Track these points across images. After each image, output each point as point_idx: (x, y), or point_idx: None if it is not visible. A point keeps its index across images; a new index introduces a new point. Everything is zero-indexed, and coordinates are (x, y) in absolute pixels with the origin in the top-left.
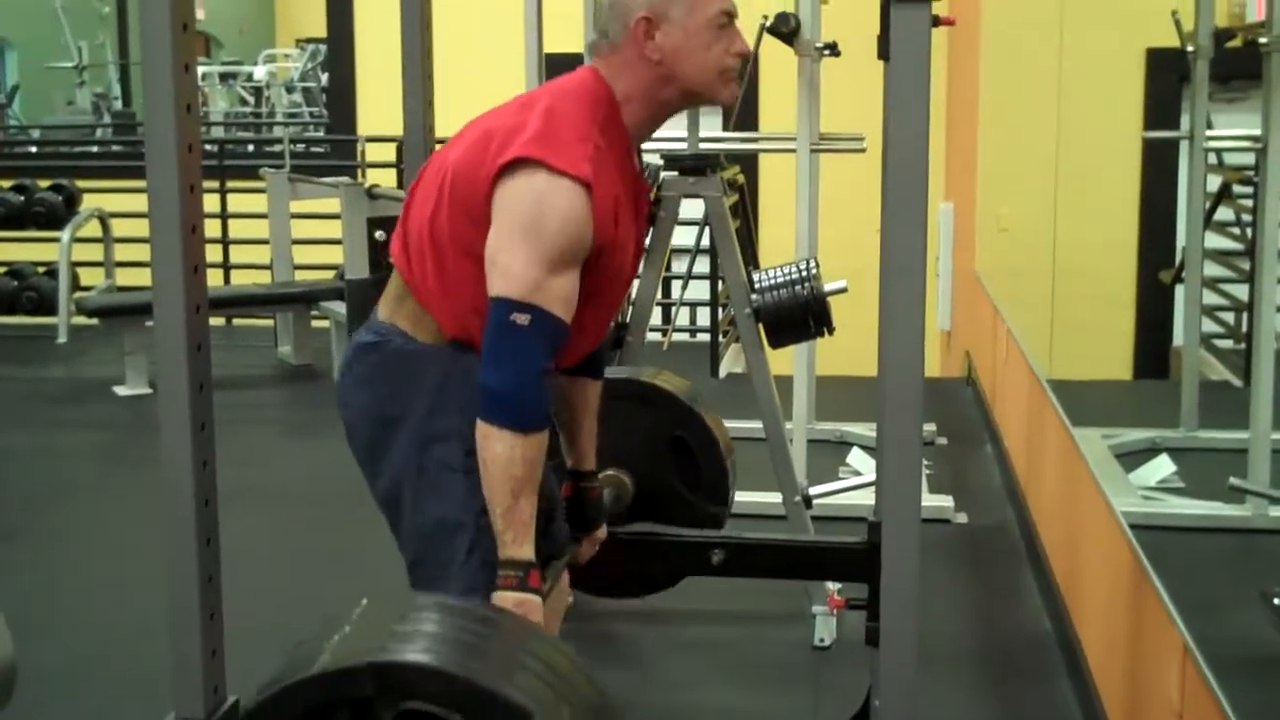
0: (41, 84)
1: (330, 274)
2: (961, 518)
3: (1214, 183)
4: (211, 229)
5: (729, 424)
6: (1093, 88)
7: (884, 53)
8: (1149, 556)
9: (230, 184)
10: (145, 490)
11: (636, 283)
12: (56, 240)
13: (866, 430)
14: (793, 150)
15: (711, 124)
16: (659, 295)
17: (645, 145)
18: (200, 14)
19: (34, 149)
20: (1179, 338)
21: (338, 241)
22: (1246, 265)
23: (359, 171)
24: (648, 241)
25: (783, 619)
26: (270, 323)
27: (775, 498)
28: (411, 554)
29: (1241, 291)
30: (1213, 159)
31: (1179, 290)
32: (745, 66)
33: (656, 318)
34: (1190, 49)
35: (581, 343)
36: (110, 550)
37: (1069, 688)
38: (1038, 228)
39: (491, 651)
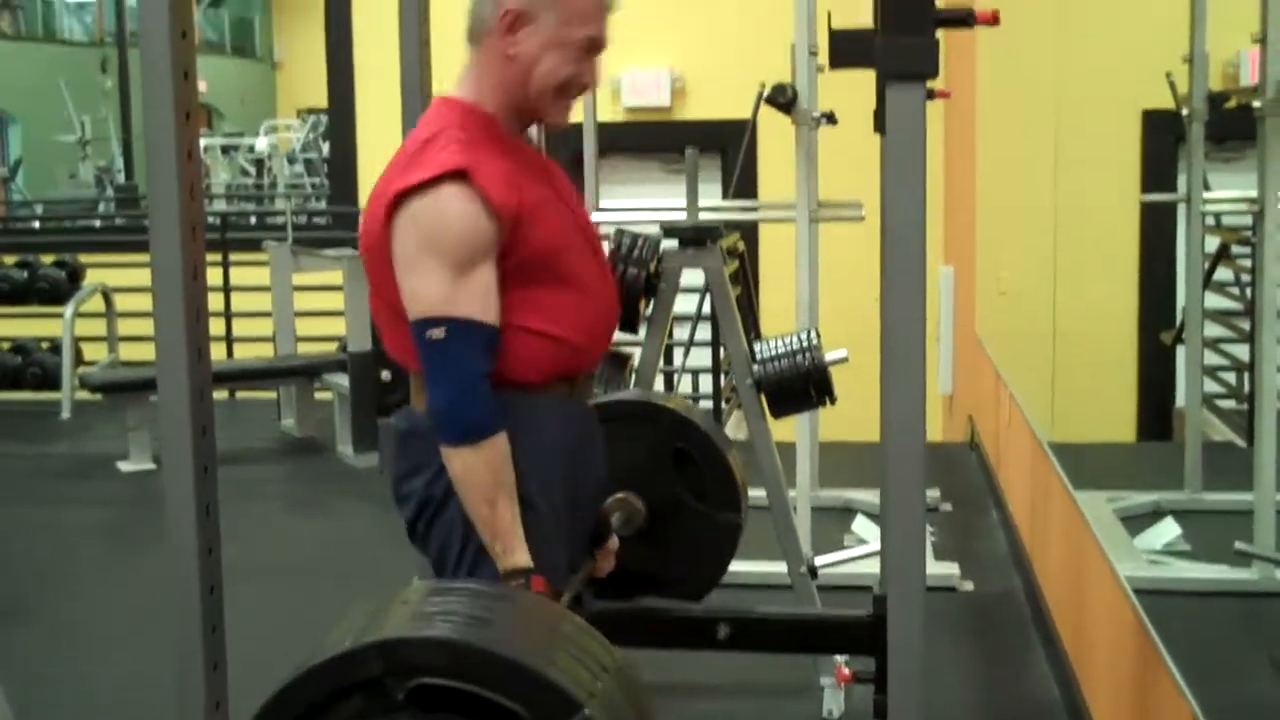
0: (45, 158)
1: (333, 346)
2: (967, 585)
3: (1212, 244)
4: (214, 302)
5: None
6: (1089, 150)
7: (880, 126)
8: (1155, 622)
9: (233, 256)
10: (149, 568)
11: (639, 350)
12: (60, 316)
13: (871, 496)
14: (792, 219)
15: (711, 192)
16: (661, 363)
17: (642, 215)
18: (201, 86)
19: (37, 224)
20: (1181, 399)
21: (340, 314)
22: (1246, 325)
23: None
24: (649, 310)
25: (791, 691)
26: (273, 395)
27: (780, 567)
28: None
29: (1242, 351)
30: (1210, 220)
31: (1180, 351)
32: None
33: (659, 384)
34: (1185, 112)
35: (594, 326)
36: (113, 629)
37: None
38: (1038, 290)
39: (500, 622)
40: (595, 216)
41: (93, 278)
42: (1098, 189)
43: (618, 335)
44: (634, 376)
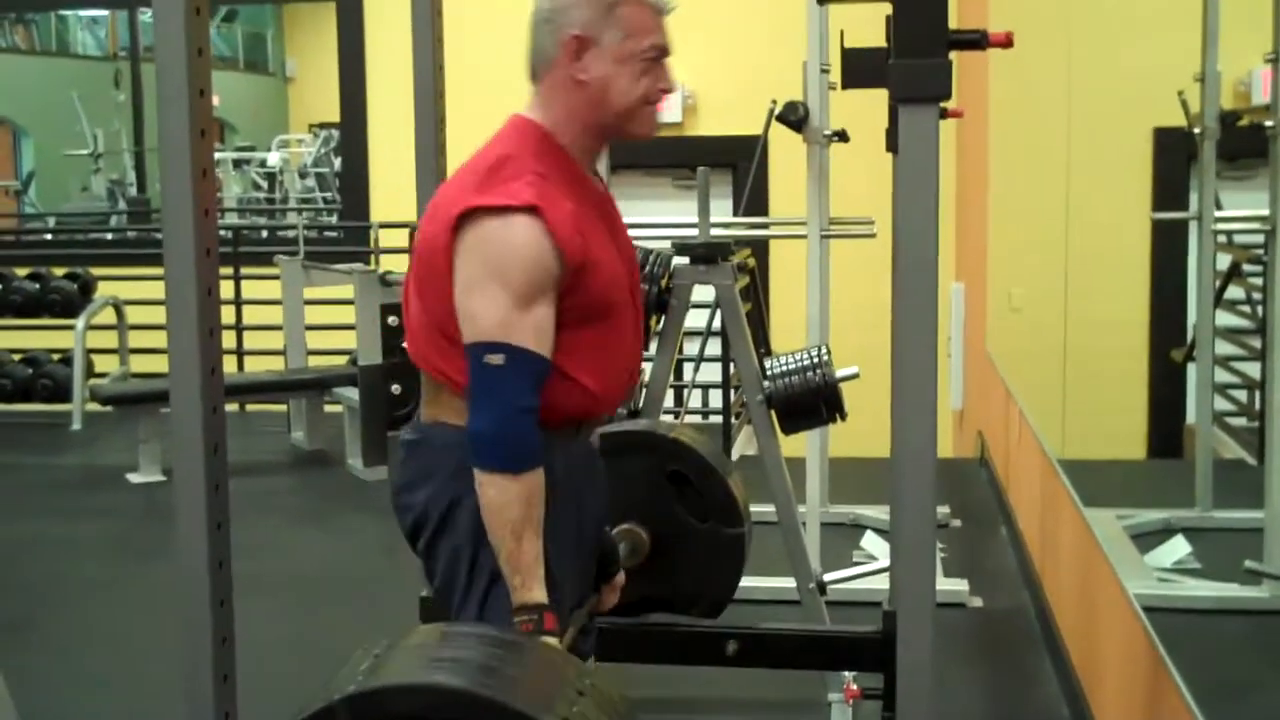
0: (57, 171)
1: (344, 359)
2: (977, 602)
3: (1224, 261)
4: (225, 315)
5: None
6: (1101, 168)
7: (893, 146)
8: (1164, 640)
9: (244, 270)
10: (158, 581)
11: (649, 365)
12: (71, 328)
13: (880, 513)
14: (803, 236)
15: (722, 209)
16: (671, 378)
17: (653, 231)
18: (214, 100)
19: (49, 236)
20: (1192, 416)
21: (351, 327)
22: (1258, 343)
23: (372, 257)
24: (660, 325)
25: (799, 708)
26: (284, 408)
27: (789, 583)
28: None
29: (1253, 369)
30: (1222, 238)
31: (1191, 369)
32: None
33: (669, 400)
34: (1197, 130)
35: (626, 371)
36: (122, 641)
37: None
38: (1049, 307)
39: (507, 673)
40: None
41: (104, 290)
42: (1109, 207)
43: None
44: (644, 392)
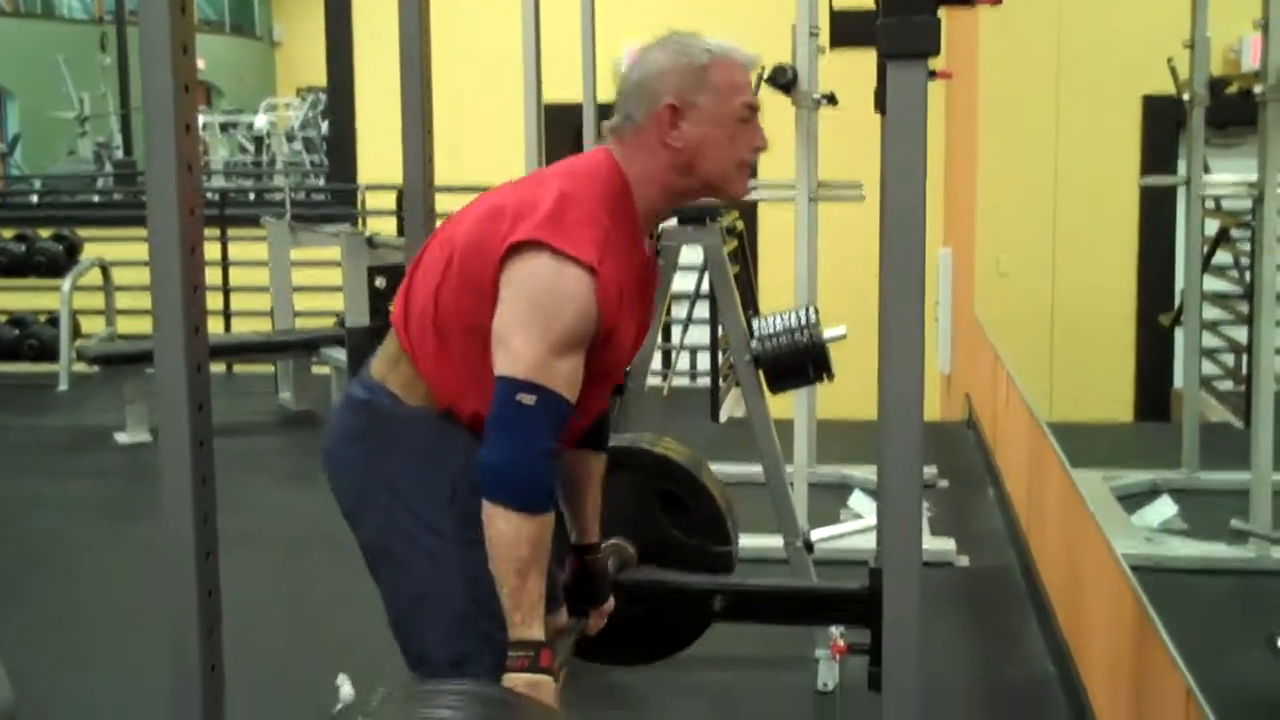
0: (43, 133)
1: (330, 321)
2: (963, 561)
3: (1212, 227)
4: (212, 277)
5: (730, 468)
6: (1090, 134)
7: (881, 106)
8: (1151, 599)
9: (231, 232)
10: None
11: None
12: (58, 289)
13: (867, 473)
14: (792, 199)
15: None
16: (659, 340)
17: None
18: (201, 64)
19: (35, 198)
20: (1179, 380)
21: (338, 289)
22: (1245, 308)
23: (359, 219)
24: None
25: (785, 664)
26: (270, 369)
27: (776, 542)
28: (396, 613)
29: (1240, 334)
30: (1210, 204)
31: (1178, 333)
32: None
33: (656, 363)
34: (1186, 97)
35: (580, 421)
36: (109, 600)
37: None
38: (1037, 272)
39: None
40: None
41: (90, 251)
42: (1098, 173)
43: None
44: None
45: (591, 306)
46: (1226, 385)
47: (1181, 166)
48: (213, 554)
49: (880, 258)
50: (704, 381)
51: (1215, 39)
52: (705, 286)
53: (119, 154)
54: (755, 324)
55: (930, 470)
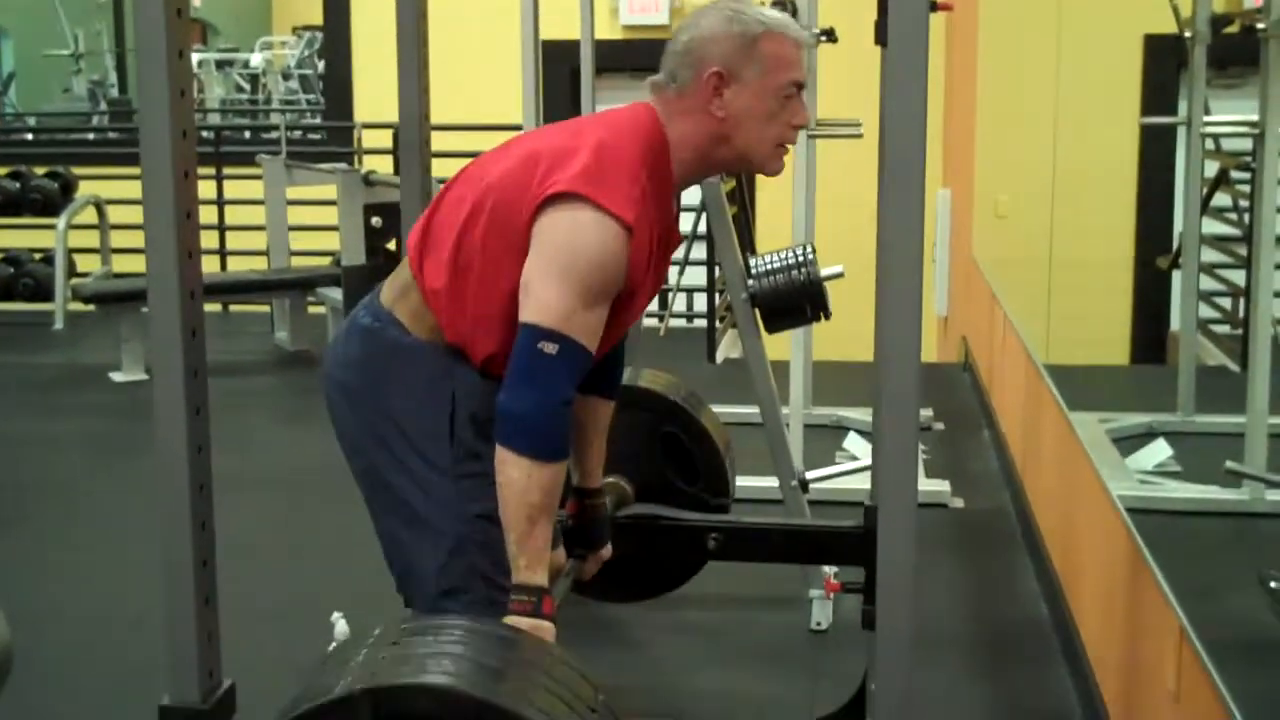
0: (38, 72)
1: (326, 260)
2: (958, 502)
3: (1211, 168)
4: (208, 215)
5: (726, 409)
6: (1090, 73)
7: (881, 38)
8: (1146, 540)
9: (227, 171)
10: (141, 477)
11: None
12: (53, 227)
13: (863, 415)
14: None
15: None
16: None
17: None
18: (196, 1)
19: (30, 136)
20: (1176, 323)
21: (334, 228)
22: (1244, 251)
23: (355, 158)
24: None
25: (779, 602)
26: (266, 309)
27: (772, 482)
28: (388, 542)
29: (1239, 277)
30: (1210, 145)
31: (1176, 276)
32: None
33: (654, 304)
34: (1188, 35)
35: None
36: (105, 537)
37: (1065, 672)
38: (1035, 214)
39: (491, 665)
40: None
41: (86, 190)
42: (1098, 113)
43: None
44: None
45: (623, 263)
46: (1224, 329)
47: (1182, 108)
48: (206, 486)
49: (879, 197)
50: (701, 323)
51: None
52: (703, 227)
53: (114, 92)
54: (752, 262)
55: (926, 412)
